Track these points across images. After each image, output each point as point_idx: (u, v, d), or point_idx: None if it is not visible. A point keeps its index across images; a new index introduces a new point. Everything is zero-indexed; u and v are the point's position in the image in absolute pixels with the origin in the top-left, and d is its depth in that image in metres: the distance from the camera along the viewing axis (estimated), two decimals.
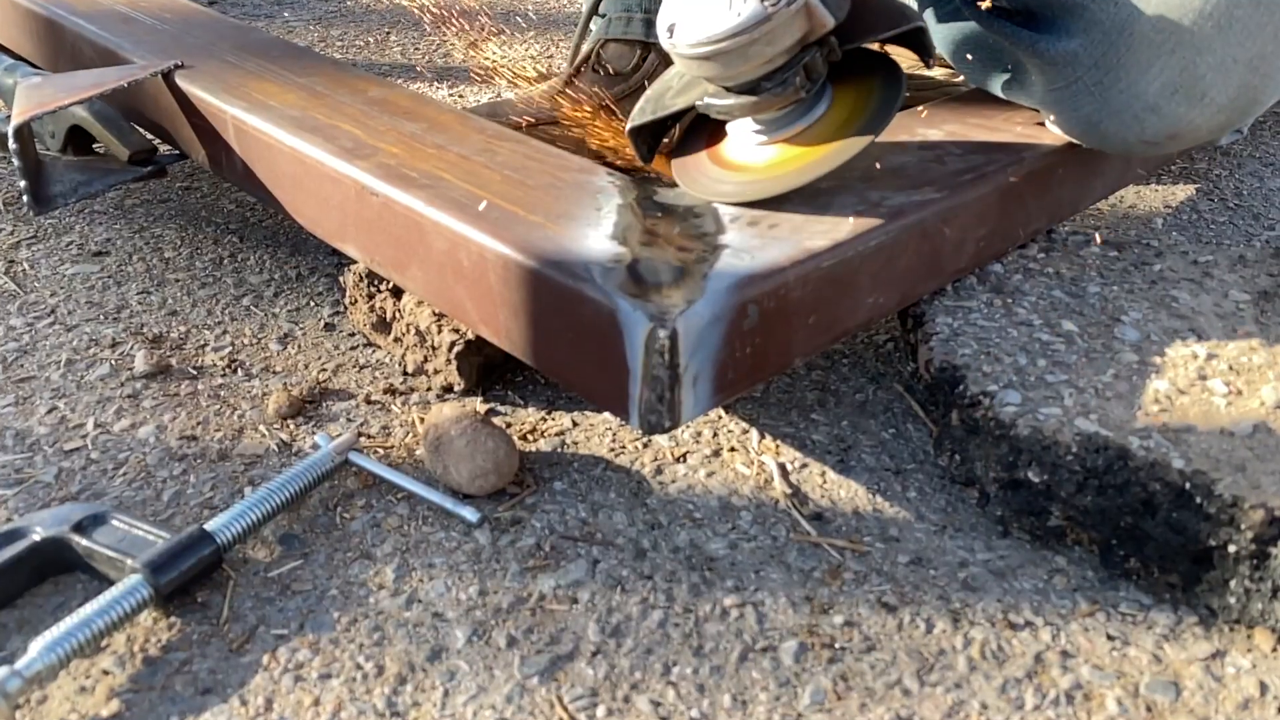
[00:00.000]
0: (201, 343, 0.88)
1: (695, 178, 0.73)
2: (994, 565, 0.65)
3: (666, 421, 0.59)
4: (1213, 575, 0.59)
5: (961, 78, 1.08)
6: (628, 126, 0.74)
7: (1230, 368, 0.68)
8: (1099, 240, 0.84)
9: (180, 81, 0.92)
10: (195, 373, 0.83)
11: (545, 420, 0.78)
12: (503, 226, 0.66)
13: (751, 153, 0.71)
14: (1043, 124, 0.84)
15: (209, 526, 0.62)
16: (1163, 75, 0.72)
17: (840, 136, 0.68)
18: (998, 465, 0.65)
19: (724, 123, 0.72)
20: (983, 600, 0.62)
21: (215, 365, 0.84)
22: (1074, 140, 0.81)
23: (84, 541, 0.61)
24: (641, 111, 0.73)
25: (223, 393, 0.81)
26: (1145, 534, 0.61)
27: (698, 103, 0.69)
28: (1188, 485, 0.59)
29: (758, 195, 0.69)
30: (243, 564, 0.64)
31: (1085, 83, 0.76)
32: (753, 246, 0.64)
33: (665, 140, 0.77)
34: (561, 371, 0.65)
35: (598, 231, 0.66)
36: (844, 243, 0.66)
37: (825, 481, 0.71)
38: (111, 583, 0.59)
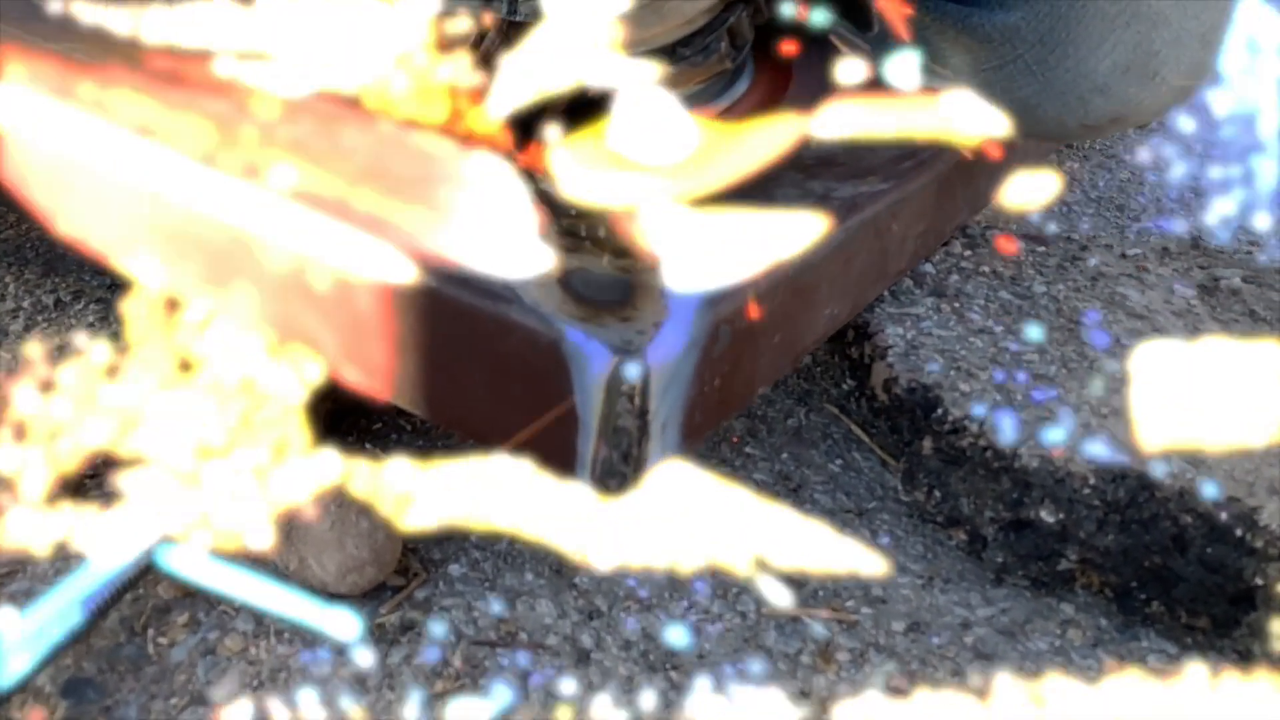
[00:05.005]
0: None
1: (586, 173, 0.58)
2: (999, 622, 0.54)
3: (630, 484, 0.44)
4: (1255, 617, 0.51)
5: None
6: (495, 109, 0.58)
7: (1215, 372, 0.61)
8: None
9: None
10: None
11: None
12: (376, 230, 0.49)
13: None
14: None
15: None
16: (1115, 52, 0.65)
17: (767, 118, 0.56)
18: (998, 504, 0.55)
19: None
20: (1001, 670, 0.51)
21: None
22: None
23: None
24: (512, 88, 0.58)
25: None
26: (1174, 574, 0.52)
27: None
28: (1224, 516, 0.51)
29: (677, 197, 0.55)
30: None
31: (1025, 61, 0.68)
32: (705, 250, 0.51)
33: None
34: (472, 425, 0.48)
35: (503, 235, 0.50)
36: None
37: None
38: None
